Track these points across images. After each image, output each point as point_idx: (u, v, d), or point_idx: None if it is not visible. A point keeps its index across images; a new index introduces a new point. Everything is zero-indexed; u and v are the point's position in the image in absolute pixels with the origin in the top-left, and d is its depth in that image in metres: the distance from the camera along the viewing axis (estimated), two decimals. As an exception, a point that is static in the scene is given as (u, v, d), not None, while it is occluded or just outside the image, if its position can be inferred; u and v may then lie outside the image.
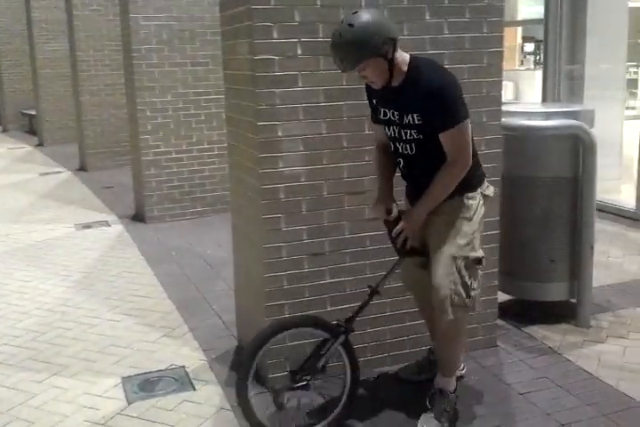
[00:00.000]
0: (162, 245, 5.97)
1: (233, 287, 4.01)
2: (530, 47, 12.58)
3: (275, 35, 3.03)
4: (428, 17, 3.23)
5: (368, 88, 2.90)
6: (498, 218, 3.49)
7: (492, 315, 3.67)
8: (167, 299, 4.65)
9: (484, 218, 2.95)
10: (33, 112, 13.94)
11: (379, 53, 2.60)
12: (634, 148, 6.31)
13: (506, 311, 3.93)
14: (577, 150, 3.81)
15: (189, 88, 6.70)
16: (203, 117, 6.79)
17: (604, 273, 4.58)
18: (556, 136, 3.83)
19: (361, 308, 2.93)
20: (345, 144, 3.22)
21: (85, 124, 9.84)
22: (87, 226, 6.79)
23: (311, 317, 3.15)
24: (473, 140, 2.79)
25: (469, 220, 2.83)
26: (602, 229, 5.23)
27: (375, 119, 2.96)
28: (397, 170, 2.98)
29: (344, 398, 2.96)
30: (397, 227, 2.84)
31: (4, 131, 15.52)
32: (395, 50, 2.64)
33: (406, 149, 2.82)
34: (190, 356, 3.75)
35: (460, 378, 3.15)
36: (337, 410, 2.95)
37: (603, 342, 3.70)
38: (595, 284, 3.95)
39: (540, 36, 7.73)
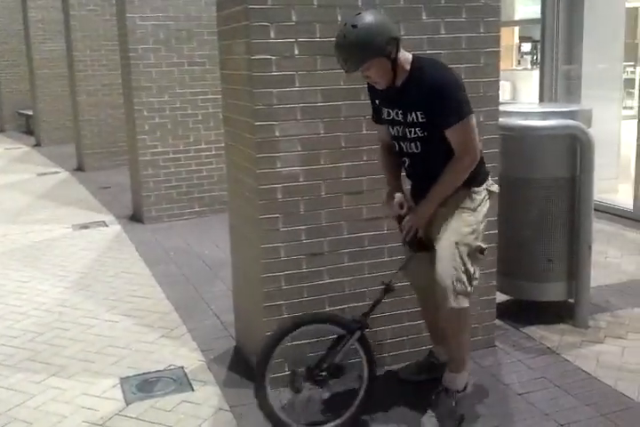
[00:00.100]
0: (160, 246, 5.96)
1: (231, 288, 4.01)
2: (527, 47, 12.59)
3: (272, 35, 3.03)
4: (424, 17, 3.23)
5: (370, 88, 2.92)
6: (496, 218, 3.49)
7: (491, 315, 3.67)
8: (165, 299, 4.64)
9: (487, 216, 2.98)
10: (30, 112, 13.93)
11: (382, 54, 2.63)
12: (631, 147, 6.32)
13: (504, 312, 3.92)
14: (574, 150, 3.81)
15: (186, 88, 6.69)
16: (200, 117, 6.79)
17: (601, 273, 4.58)
18: (554, 136, 3.83)
19: (375, 304, 2.94)
20: (343, 144, 3.22)
21: (82, 125, 9.83)
22: (85, 226, 6.78)
23: (326, 313, 3.18)
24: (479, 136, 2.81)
25: (473, 210, 2.86)
26: (599, 229, 5.23)
27: (377, 119, 2.98)
28: (402, 169, 2.99)
29: (361, 395, 2.96)
30: (405, 220, 2.87)
31: (1, 131, 15.50)
32: (398, 50, 2.67)
33: (411, 148, 2.84)
34: (189, 356, 3.74)
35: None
36: (354, 406, 2.96)
37: (601, 343, 3.70)
38: (593, 284, 3.95)
39: (537, 35, 7.72)
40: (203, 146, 6.85)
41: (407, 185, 3.03)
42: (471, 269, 2.83)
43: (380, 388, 3.26)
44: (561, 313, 4.00)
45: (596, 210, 4.06)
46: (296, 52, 3.08)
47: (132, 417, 3.14)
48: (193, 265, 5.36)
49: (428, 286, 2.95)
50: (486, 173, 2.97)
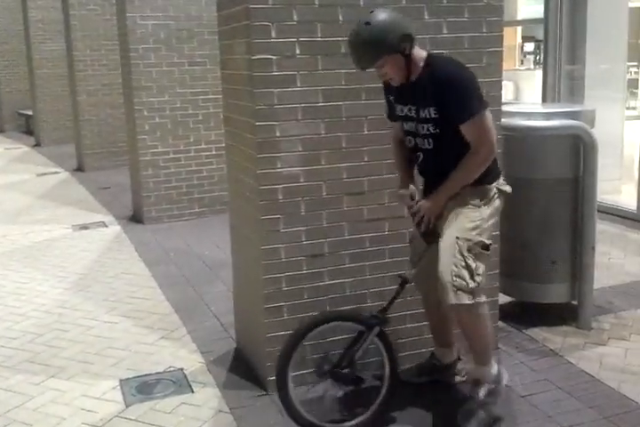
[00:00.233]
0: (160, 247, 5.94)
1: (231, 289, 3.99)
2: (530, 47, 12.56)
3: (273, 34, 3.01)
4: (426, 17, 3.21)
5: (385, 85, 2.94)
6: (498, 219, 3.47)
7: (493, 317, 3.63)
8: (165, 301, 4.62)
9: (496, 215, 2.95)
10: (30, 112, 13.93)
11: (396, 50, 2.66)
12: (634, 148, 6.30)
13: (507, 313, 3.91)
14: (578, 151, 3.79)
15: (187, 88, 6.68)
16: (200, 117, 6.77)
17: (605, 274, 4.56)
18: (557, 136, 3.81)
19: (394, 298, 2.93)
20: (344, 144, 3.20)
21: (82, 125, 9.83)
22: (84, 227, 6.77)
23: (345, 310, 3.18)
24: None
25: (479, 207, 2.84)
26: (602, 230, 5.20)
27: (391, 116, 3.00)
28: (415, 166, 2.99)
29: (383, 392, 2.95)
30: (414, 207, 2.88)
31: (1, 131, 15.50)
32: (412, 47, 2.69)
33: (424, 144, 2.85)
34: (188, 358, 3.72)
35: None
36: (375, 405, 2.95)
37: (604, 345, 3.68)
38: (596, 285, 3.94)
39: (540, 35, 7.71)
40: (203, 146, 6.83)
41: (420, 185, 3.02)
42: (473, 265, 2.80)
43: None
44: (564, 315, 3.98)
45: (599, 211, 4.04)
46: (297, 51, 3.06)
47: (131, 419, 3.12)
48: (193, 266, 5.34)
49: (432, 286, 2.94)
50: (498, 172, 2.96)
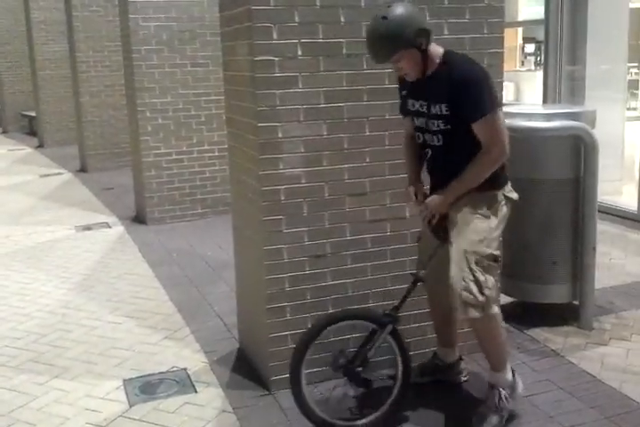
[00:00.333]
0: (163, 247, 5.96)
1: (234, 289, 4.00)
2: (530, 48, 12.57)
3: (274, 36, 3.03)
4: (427, 18, 3.20)
5: (400, 80, 2.93)
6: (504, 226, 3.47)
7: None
8: (168, 301, 4.64)
9: (503, 223, 2.92)
10: (33, 113, 13.94)
11: (412, 45, 2.66)
12: (635, 149, 6.30)
13: (508, 314, 3.88)
14: (578, 152, 3.79)
15: (189, 89, 6.69)
16: (203, 119, 6.79)
17: (606, 275, 4.57)
18: (558, 137, 3.82)
19: (406, 296, 2.94)
20: (345, 146, 3.21)
21: (85, 126, 9.85)
22: (88, 228, 6.79)
23: (357, 309, 3.20)
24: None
25: (487, 217, 2.83)
26: (603, 230, 5.20)
27: (402, 110, 3.00)
28: (424, 163, 2.98)
29: (395, 391, 2.97)
30: (422, 205, 2.89)
31: (4, 132, 15.53)
32: (428, 42, 2.69)
33: (432, 140, 2.84)
34: (192, 358, 3.74)
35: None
36: (388, 402, 2.96)
37: (605, 345, 3.69)
38: (597, 286, 3.94)
39: (541, 36, 7.72)
40: (206, 147, 6.84)
41: (427, 184, 3.03)
42: (482, 279, 2.78)
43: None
44: (565, 315, 3.99)
45: (599, 211, 4.05)
46: (299, 53, 3.08)
47: (135, 419, 3.14)
48: (196, 266, 5.36)
49: (439, 286, 2.95)
50: (506, 178, 2.93)
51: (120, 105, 9.04)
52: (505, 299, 3.94)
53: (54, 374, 3.60)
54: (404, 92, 2.96)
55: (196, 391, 3.37)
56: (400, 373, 2.97)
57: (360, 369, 2.86)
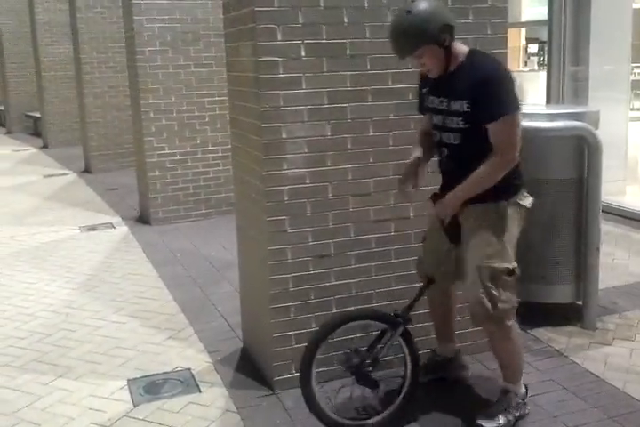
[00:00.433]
0: (167, 247, 5.97)
1: (238, 289, 4.01)
2: (534, 48, 12.58)
3: (278, 36, 3.03)
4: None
5: (422, 76, 2.91)
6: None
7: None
8: (172, 301, 4.65)
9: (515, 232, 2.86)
10: (37, 114, 13.99)
11: (435, 41, 2.61)
12: (638, 149, 6.29)
13: (511, 313, 3.91)
14: (582, 152, 3.80)
15: (193, 90, 6.70)
16: (207, 119, 6.80)
17: (609, 275, 4.57)
18: (561, 138, 3.82)
19: (417, 297, 2.94)
20: (349, 146, 3.22)
21: (89, 127, 9.87)
22: (92, 228, 6.80)
23: (369, 309, 3.21)
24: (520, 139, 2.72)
25: (499, 229, 2.77)
26: (607, 230, 5.21)
27: (420, 107, 2.97)
28: (437, 163, 2.94)
29: (404, 391, 2.97)
30: (432, 208, 2.88)
31: (9, 133, 15.58)
32: (452, 38, 2.66)
33: (449, 139, 2.78)
34: (196, 358, 3.74)
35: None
36: (396, 402, 2.97)
37: (609, 345, 3.69)
38: (600, 286, 3.93)
39: (544, 37, 7.71)
40: (209, 148, 6.86)
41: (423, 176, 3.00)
42: (495, 293, 2.75)
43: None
44: (569, 315, 3.99)
45: (603, 212, 4.04)
46: (303, 53, 3.08)
47: (139, 419, 3.14)
48: (200, 266, 5.37)
49: (439, 283, 2.96)
50: (519, 185, 2.85)
51: (124, 106, 9.06)
52: (508, 299, 3.93)
53: (58, 374, 3.61)
54: (424, 90, 2.91)
55: (200, 391, 3.37)
56: (409, 372, 2.97)
57: (370, 369, 2.86)
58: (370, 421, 2.94)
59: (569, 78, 6.94)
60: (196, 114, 6.76)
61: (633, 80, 8.55)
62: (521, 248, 3.86)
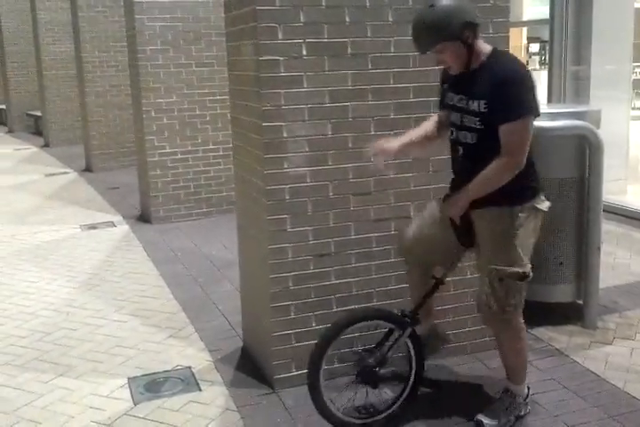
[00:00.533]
0: (167, 246, 5.97)
1: (238, 288, 4.02)
2: (535, 47, 12.58)
3: (280, 35, 3.03)
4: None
5: (443, 72, 2.89)
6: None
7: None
8: (173, 300, 4.65)
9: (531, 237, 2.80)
10: (38, 113, 14.00)
11: (457, 37, 2.58)
12: (640, 148, 6.29)
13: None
14: (583, 151, 3.80)
15: (194, 89, 6.71)
16: (208, 118, 6.81)
17: (610, 274, 4.57)
18: (562, 137, 3.82)
19: (425, 298, 2.94)
20: (350, 145, 3.22)
21: (91, 125, 9.88)
22: (93, 227, 6.81)
23: (376, 309, 3.21)
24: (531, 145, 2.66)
25: (513, 233, 2.72)
26: (608, 230, 5.21)
27: (441, 103, 2.93)
28: (451, 162, 2.92)
29: (408, 390, 2.98)
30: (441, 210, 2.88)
31: (10, 132, 15.60)
32: (475, 36, 2.62)
33: (465, 138, 2.74)
34: (196, 356, 3.75)
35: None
36: (400, 401, 2.97)
37: (610, 344, 3.69)
38: (601, 285, 3.94)
39: (546, 36, 7.70)
40: (211, 147, 6.86)
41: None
42: (504, 296, 2.74)
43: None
44: (569, 314, 3.99)
45: (604, 211, 4.04)
46: (304, 52, 3.08)
47: (139, 417, 3.15)
48: (200, 265, 5.37)
49: (422, 261, 2.99)
50: (536, 188, 2.79)
51: (125, 105, 9.07)
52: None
53: (59, 373, 3.62)
54: (445, 86, 2.88)
55: (200, 390, 3.38)
56: (414, 372, 2.98)
57: (377, 369, 2.86)
58: (372, 420, 2.94)
59: (570, 77, 6.94)
60: (197, 113, 6.76)
61: (634, 79, 8.55)
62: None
